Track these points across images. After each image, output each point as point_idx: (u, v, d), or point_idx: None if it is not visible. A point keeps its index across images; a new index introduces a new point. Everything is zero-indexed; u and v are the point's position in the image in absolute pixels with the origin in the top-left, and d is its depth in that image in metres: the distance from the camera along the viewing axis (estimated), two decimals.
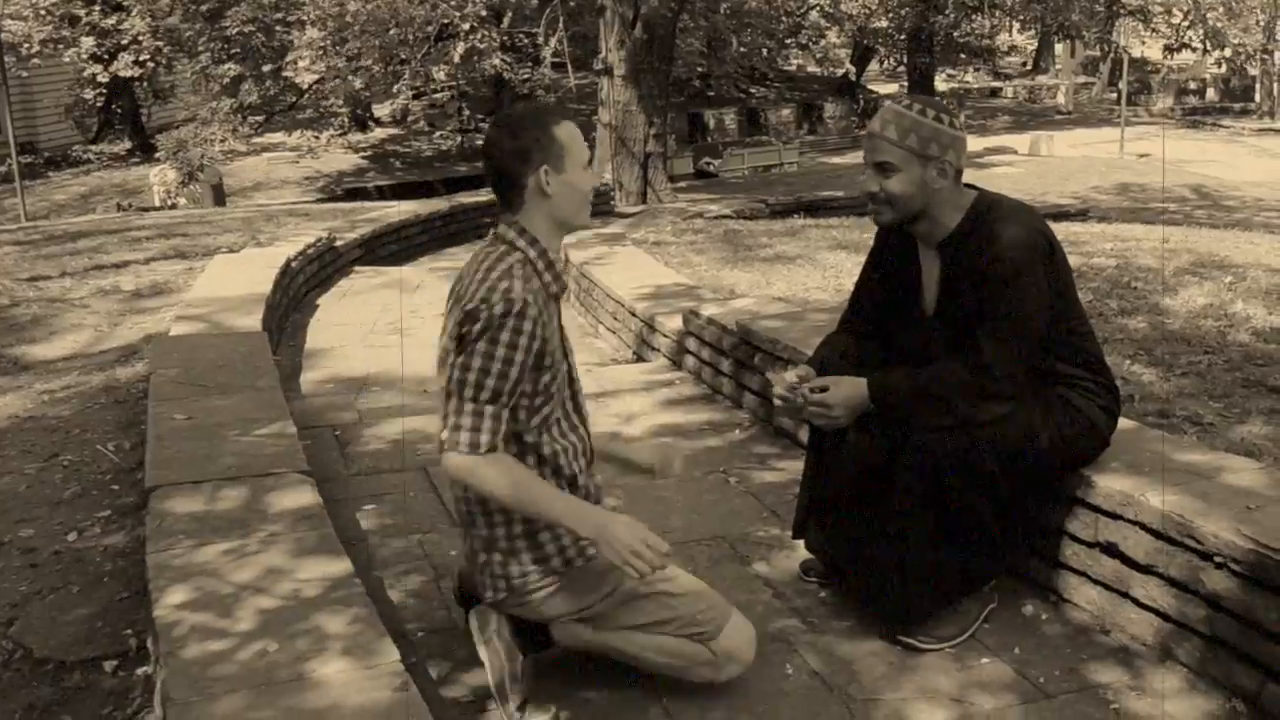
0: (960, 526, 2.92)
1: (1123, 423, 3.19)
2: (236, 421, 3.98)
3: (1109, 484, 2.95)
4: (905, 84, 35.09)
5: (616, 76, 14.69)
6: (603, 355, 6.26)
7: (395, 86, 20.19)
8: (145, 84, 25.17)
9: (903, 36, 34.27)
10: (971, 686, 2.80)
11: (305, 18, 19.01)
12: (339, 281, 8.19)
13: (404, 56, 19.32)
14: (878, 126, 2.90)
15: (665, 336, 5.54)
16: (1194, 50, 35.20)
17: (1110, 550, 2.96)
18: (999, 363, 2.83)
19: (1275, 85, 36.61)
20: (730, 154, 27.22)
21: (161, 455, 3.66)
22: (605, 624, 2.69)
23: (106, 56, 21.86)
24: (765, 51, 29.58)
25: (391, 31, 18.15)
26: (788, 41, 31.83)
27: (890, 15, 32.99)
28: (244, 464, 3.57)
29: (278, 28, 20.69)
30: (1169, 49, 34.72)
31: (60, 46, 21.83)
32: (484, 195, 12.78)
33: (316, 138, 24.70)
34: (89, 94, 23.72)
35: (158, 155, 23.10)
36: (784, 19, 29.28)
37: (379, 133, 29.47)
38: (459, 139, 28.66)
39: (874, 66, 40.44)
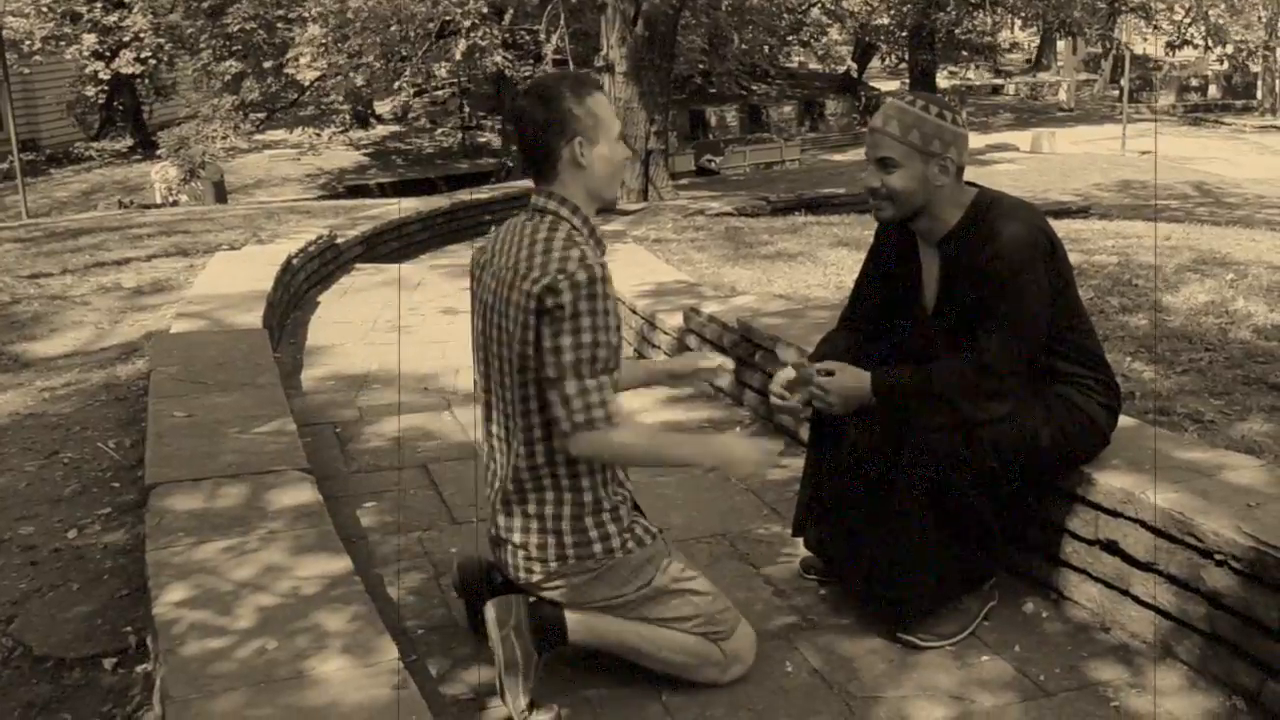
0: (960, 524, 2.92)
1: (1123, 420, 3.19)
2: (237, 419, 3.98)
3: (1109, 481, 2.94)
4: (907, 81, 35.07)
5: (618, 73, 14.67)
6: None
7: (396, 83, 20.16)
8: (147, 81, 25.17)
9: (904, 33, 34.27)
10: (972, 684, 2.80)
11: (307, 14, 18.98)
12: (340, 279, 8.19)
13: (405, 53, 19.30)
14: (880, 122, 2.90)
15: (666, 334, 5.54)
16: (1196, 47, 35.16)
17: (1110, 548, 2.96)
18: (1002, 361, 2.83)
19: (1277, 82, 36.58)
20: (732, 151, 27.21)
21: (161, 452, 3.66)
22: (630, 614, 2.70)
23: (108, 53, 21.85)
24: (767, 48, 29.53)
25: (393, 28, 18.12)
26: (789, 38, 31.78)
27: (892, 12, 32.96)
28: (244, 461, 3.57)
29: (279, 24, 20.66)
30: (1171, 46, 34.70)
31: (62, 43, 21.84)
32: (485, 193, 12.79)
33: (318, 135, 24.72)
34: (91, 91, 23.72)
35: (159, 152, 23.11)
36: (785, 16, 29.23)
37: (380, 130, 29.47)
38: (460, 136, 28.66)
39: (876, 64, 40.42)
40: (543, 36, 18.80)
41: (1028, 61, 46.81)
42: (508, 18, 19.99)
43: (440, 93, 28.83)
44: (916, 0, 31.36)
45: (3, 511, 3.86)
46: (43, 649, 3.02)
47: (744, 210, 12.84)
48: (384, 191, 22.05)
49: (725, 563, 3.46)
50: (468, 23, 18.25)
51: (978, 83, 41.74)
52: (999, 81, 42.51)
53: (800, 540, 3.37)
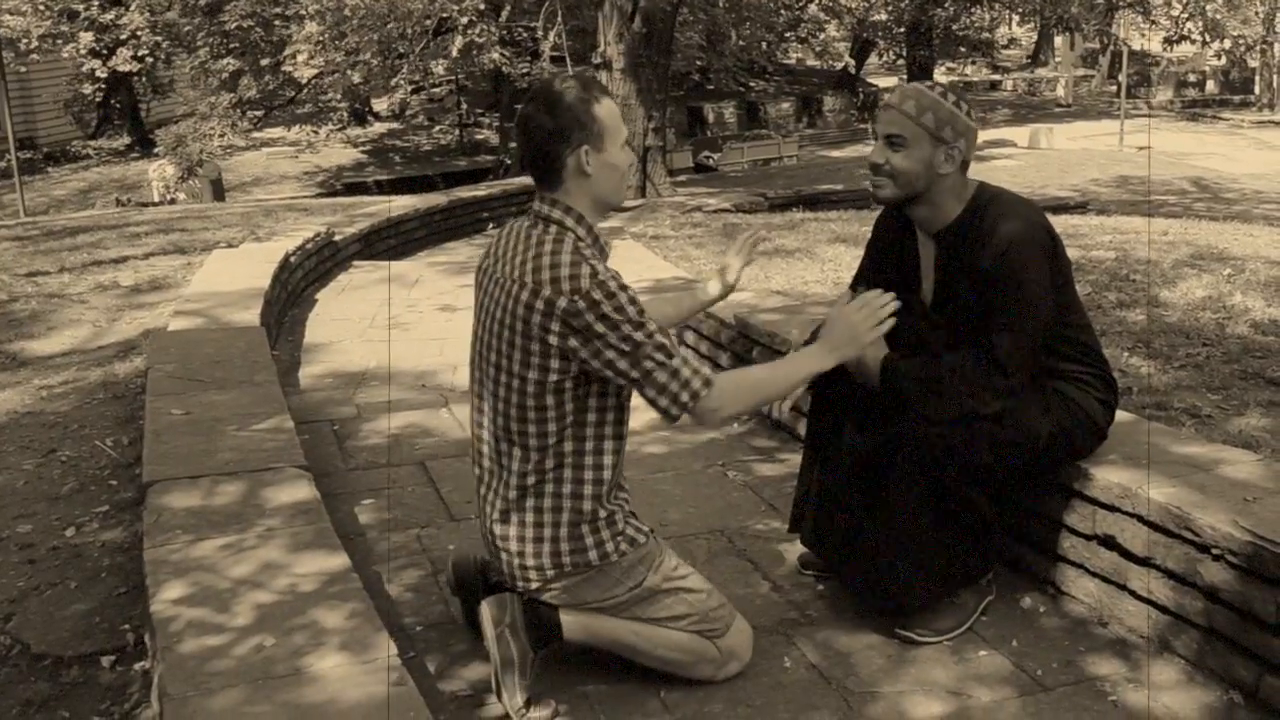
0: (958, 519, 2.92)
1: (1120, 415, 3.19)
2: (234, 416, 3.98)
3: (1107, 476, 2.95)
4: (905, 77, 35.04)
5: (615, 70, 14.66)
6: None
7: (394, 81, 20.14)
8: (144, 79, 25.17)
9: (902, 29, 34.27)
10: (969, 679, 2.80)
11: (304, 12, 18.97)
12: (338, 276, 8.18)
13: (402, 50, 19.29)
14: (896, 99, 2.89)
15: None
16: (1193, 42, 35.14)
17: (1108, 543, 2.96)
18: (1011, 358, 2.83)
19: (1275, 77, 36.59)
20: (729, 147, 27.23)
21: (159, 450, 3.66)
22: (622, 614, 2.70)
23: (105, 51, 21.85)
24: (764, 45, 29.51)
25: (390, 25, 18.10)
26: (787, 35, 31.78)
27: (889, 8, 32.97)
28: (242, 459, 3.56)
29: (276, 22, 20.66)
30: (1168, 41, 34.65)
31: (59, 41, 21.84)
32: (482, 190, 12.78)
33: (315, 132, 24.74)
34: (88, 89, 23.72)
35: (157, 150, 23.12)
36: (783, 12, 29.24)
37: (378, 127, 29.48)
38: (458, 133, 28.66)
39: (873, 60, 40.39)
40: (540, 33, 18.79)
41: (1028, 58, 46.80)
42: (505, 14, 19.98)
43: (438, 90, 28.85)
44: None
45: (1, 510, 3.86)
46: (41, 647, 3.02)
47: (742, 206, 12.84)
48: (382, 189, 22.06)
49: (723, 559, 3.47)
50: (465, 19, 18.24)
51: (975, 79, 41.75)
52: (997, 77, 42.51)
53: (798, 536, 3.37)
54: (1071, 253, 5.03)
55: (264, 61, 21.29)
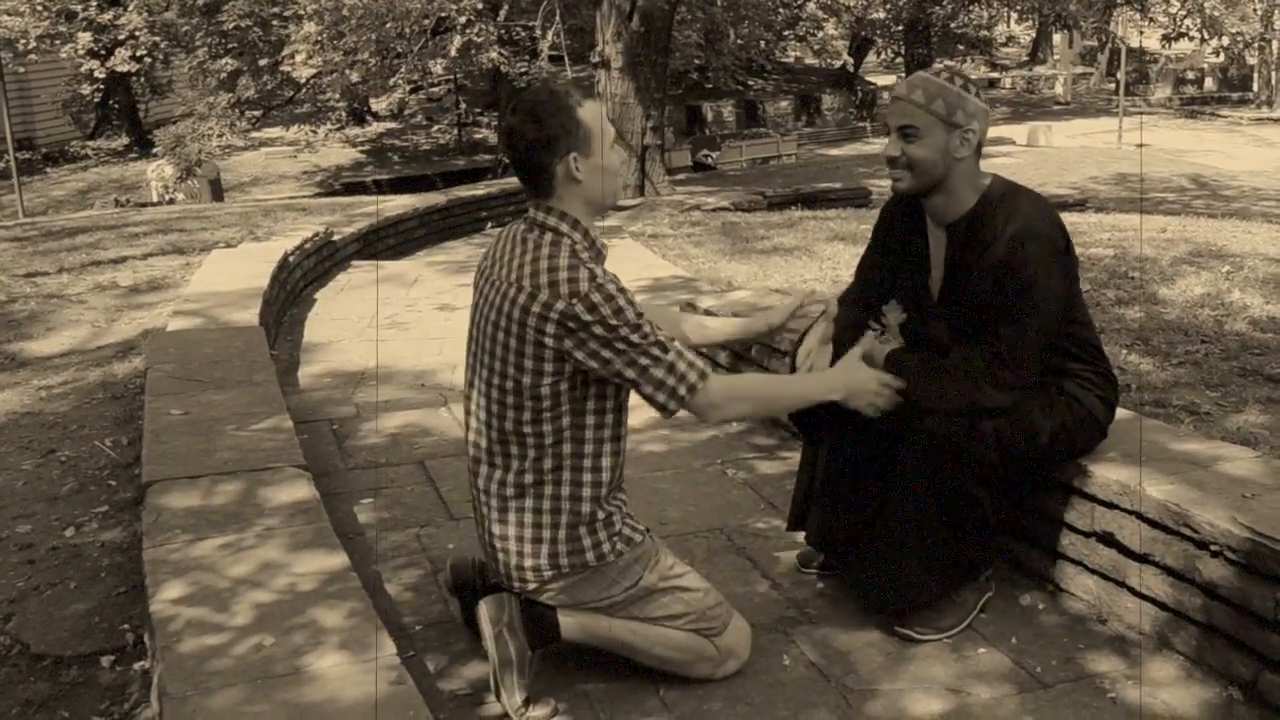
0: (959, 516, 2.91)
1: (1119, 412, 3.19)
2: (233, 416, 3.98)
3: (1105, 473, 2.95)
4: (903, 75, 35.02)
5: (613, 69, 14.66)
6: None
7: (392, 80, 20.14)
8: (142, 79, 25.16)
9: (900, 27, 34.26)
10: (968, 676, 2.80)
11: (302, 11, 18.96)
12: (336, 276, 8.18)
13: (400, 50, 19.28)
14: (904, 90, 2.88)
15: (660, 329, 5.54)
16: (1191, 39, 35.14)
17: (1107, 540, 2.96)
18: (1017, 353, 2.82)
19: (1273, 74, 36.60)
20: (728, 146, 27.25)
21: (158, 450, 3.66)
22: (619, 613, 2.70)
23: (103, 52, 21.84)
24: (763, 43, 29.50)
25: (388, 25, 18.10)
26: (785, 33, 31.76)
27: (888, 6, 32.96)
28: (241, 458, 3.56)
29: (274, 22, 20.65)
30: (1166, 38, 34.68)
31: (57, 42, 21.82)
32: (481, 189, 12.78)
33: (314, 132, 24.73)
34: (86, 89, 23.71)
35: (155, 151, 23.10)
36: (781, 10, 29.23)
37: (376, 127, 29.47)
38: (456, 133, 28.65)
39: (872, 58, 40.39)
40: (538, 32, 18.79)
41: (1026, 56, 46.79)
42: (503, 13, 19.97)
43: (436, 89, 28.83)
44: None
45: (0, 510, 3.86)
46: (40, 647, 3.02)
47: (740, 205, 12.84)
48: (380, 189, 22.05)
49: (722, 557, 3.47)
50: (463, 19, 18.24)
51: (974, 76, 41.69)
52: (995, 75, 42.50)
53: (796, 534, 3.36)
54: None
55: (262, 61, 21.28)
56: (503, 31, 20.20)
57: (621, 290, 2.54)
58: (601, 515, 2.65)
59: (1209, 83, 40.90)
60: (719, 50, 26.08)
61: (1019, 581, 3.21)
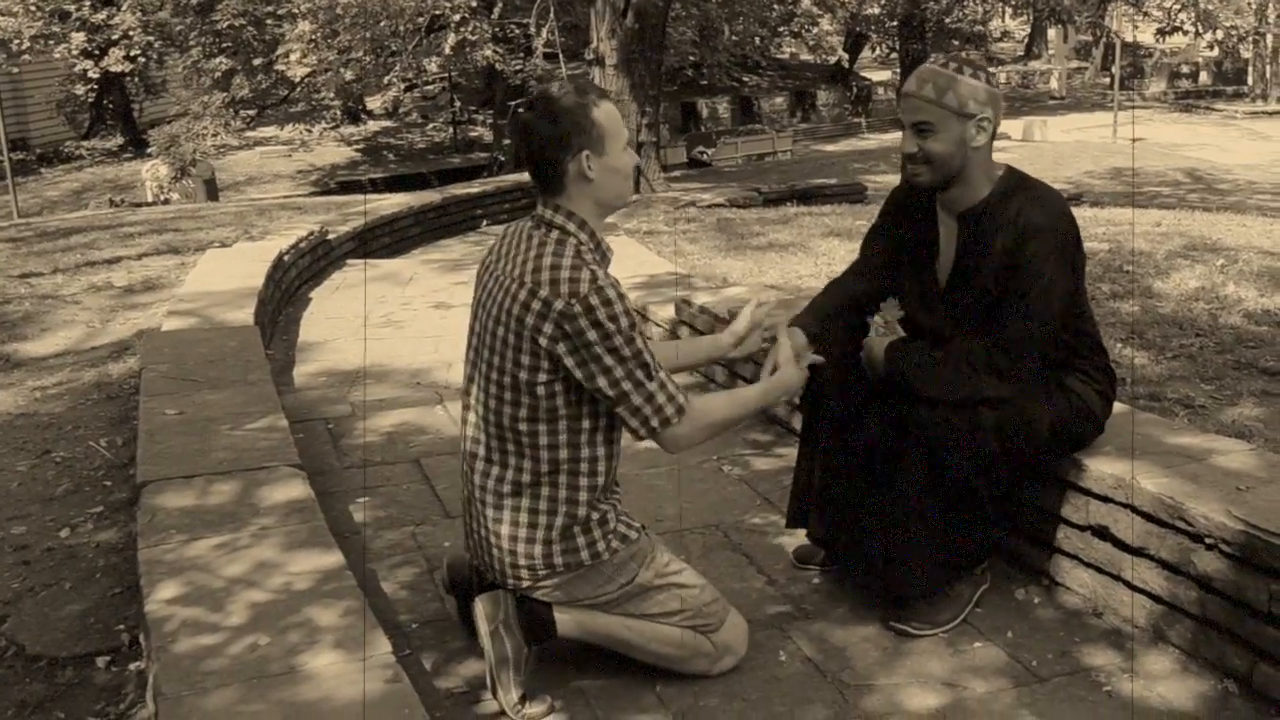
0: (958, 508, 2.91)
1: (1115, 406, 3.19)
2: (228, 416, 3.97)
3: (1100, 467, 2.95)
4: (898, 71, 35.05)
5: (608, 66, 14.65)
6: None
7: (386, 79, 20.12)
8: (136, 79, 25.08)
9: (895, 23, 34.21)
10: (964, 671, 2.81)
11: (296, 10, 18.94)
12: (332, 275, 8.18)
13: (395, 48, 19.26)
14: (914, 86, 2.87)
15: (658, 326, 5.54)
16: (1186, 34, 35.13)
17: (1102, 533, 2.96)
18: (1021, 345, 2.82)
19: (1268, 68, 36.61)
20: (723, 143, 27.22)
21: (153, 450, 3.66)
22: (615, 610, 2.70)
23: (97, 52, 21.78)
24: (758, 39, 29.46)
25: (382, 23, 18.08)
26: (780, 29, 31.72)
27: (883, 1, 32.90)
28: (236, 458, 3.56)
29: (268, 21, 20.62)
30: (1161, 32, 34.64)
31: (51, 42, 21.75)
32: (476, 187, 12.76)
33: (309, 131, 24.66)
34: (80, 90, 23.62)
35: (150, 150, 23.07)
36: (776, 6, 29.18)
37: (371, 125, 29.43)
38: (452, 131, 28.62)
39: (867, 54, 40.33)
40: (533, 30, 18.77)
41: (1025, 50, 46.77)
42: (497, 11, 19.95)
43: (431, 87, 28.79)
44: None
45: None
46: (36, 648, 3.01)
47: (736, 202, 12.82)
48: (376, 187, 22.02)
49: (718, 553, 3.47)
50: (457, 17, 18.22)
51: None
52: (990, 70, 42.42)
53: (793, 530, 3.36)
54: None
55: (256, 61, 21.24)
56: (497, 29, 20.17)
57: (621, 296, 2.55)
58: (596, 515, 2.65)
59: (1204, 77, 40.90)
60: (714, 47, 26.05)
61: (1014, 576, 3.21)
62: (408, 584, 3.31)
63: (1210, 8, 31.53)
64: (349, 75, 19.37)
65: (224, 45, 21.26)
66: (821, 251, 7.49)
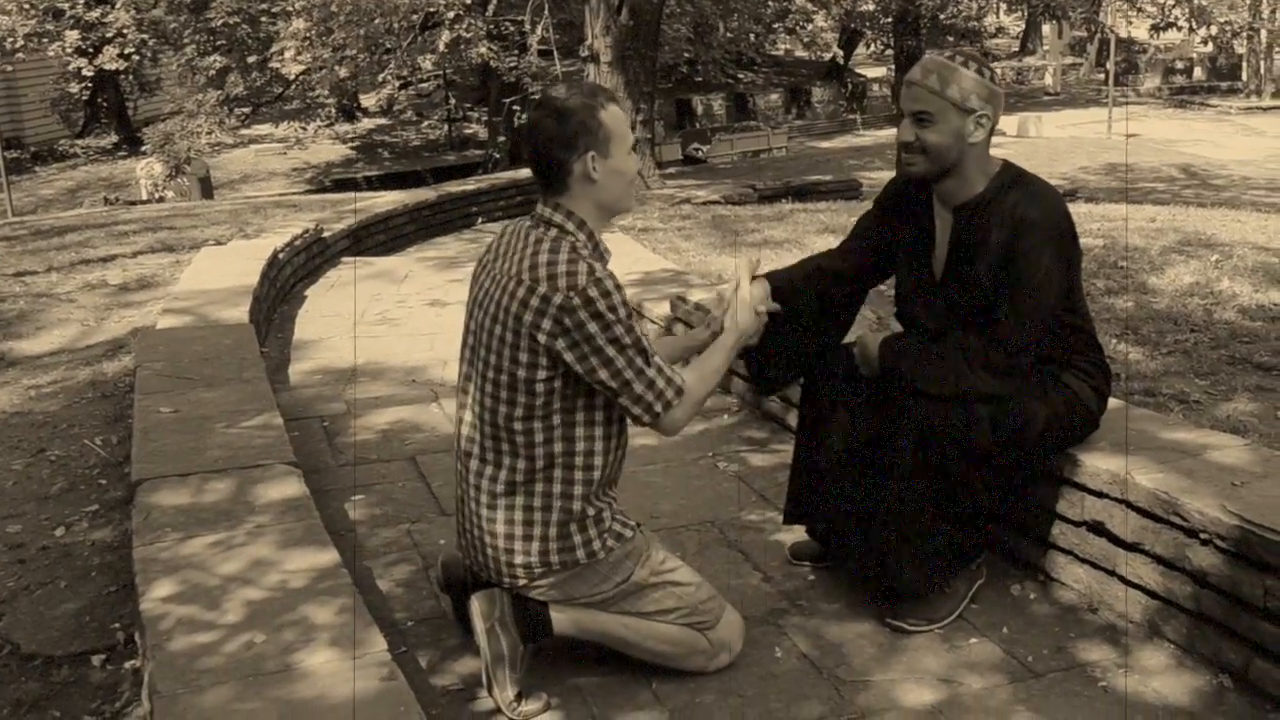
0: (954, 504, 2.91)
1: (1110, 402, 3.19)
2: (223, 414, 3.97)
3: (1095, 463, 2.95)
4: (893, 67, 35.05)
5: (602, 63, 14.66)
6: None
7: (381, 76, 20.10)
8: (131, 77, 25.07)
9: (889, 19, 34.21)
10: (960, 667, 2.81)
11: (290, 8, 18.92)
12: (327, 272, 8.17)
13: (389, 46, 19.24)
14: (918, 75, 2.86)
15: (653, 323, 5.54)
16: (1180, 29, 35.18)
17: (1097, 529, 2.97)
18: (1015, 340, 2.82)
19: (1262, 63, 36.62)
20: (718, 140, 27.19)
21: (147, 449, 3.65)
22: (611, 608, 2.70)
23: (91, 50, 21.73)
24: (752, 36, 29.48)
25: (376, 21, 18.06)
26: (775, 26, 31.71)
27: None
28: (231, 456, 3.56)
29: (263, 19, 20.60)
30: (1155, 28, 34.67)
31: (45, 40, 21.71)
32: (471, 185, 12.76)
33: (304, 129, 24.64)
34: (74, 88, 23.61)
35: (144, 149, 23.05)
36: (770, 3, 29.17)
37: (366, 123, 29.41)
38: (446, 128, 28.60)
39: (861, 50, 40.35)
40: (527, 27, 18.76)
41: (1019, 46, 46.79)
42: (491, 8, 19.93)
43: (426, 85, 28.78)
44: None
45: None
46: (31, 647, 3.01)
47: (731, 198, 12.84)
48: (371, 185, 22.01)
49: (714, 550, 3.47)
50: (451, 14, 18.19)
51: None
52: (994, 68, 42.44)
53: (789, 526, 3.37)
54: None
55: (251, 58, 21.22)
56: (491, 26, 20.14)
57: (618, 288, 2.56)
58: (591, 512, 2.65)
59: (1198, 72, 40.94)
60: (708, 43, 26.05)
61: (1010, 571, 3.22)
62: (403, 581, 3.31)
63: (1204, 3, 31.57)
64: (343, 73, 19.35)
65: (218, 43, 21.25)
66: (817, 248, 7.47)
